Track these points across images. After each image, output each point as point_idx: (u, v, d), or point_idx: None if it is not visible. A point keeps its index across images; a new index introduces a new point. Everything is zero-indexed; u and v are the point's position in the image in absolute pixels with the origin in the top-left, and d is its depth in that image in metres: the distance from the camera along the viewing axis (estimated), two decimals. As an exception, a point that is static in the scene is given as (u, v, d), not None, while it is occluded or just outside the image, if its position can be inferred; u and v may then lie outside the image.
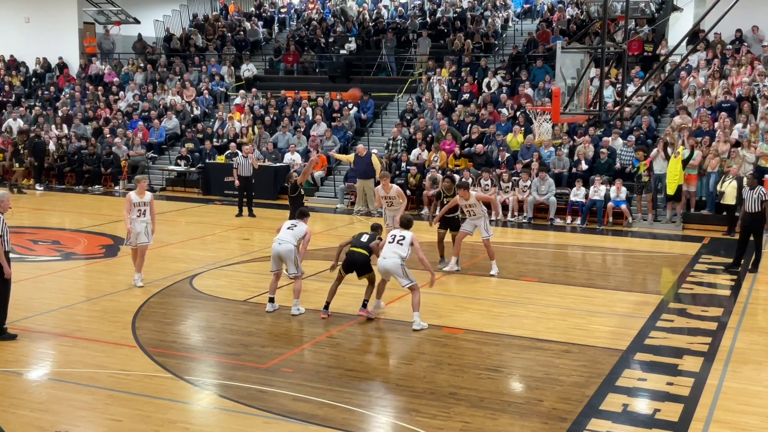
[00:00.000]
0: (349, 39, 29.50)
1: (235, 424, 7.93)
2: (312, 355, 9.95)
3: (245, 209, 19.95)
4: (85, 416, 8.02)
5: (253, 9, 35.30)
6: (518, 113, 22.92)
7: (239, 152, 21.62)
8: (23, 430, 7.61)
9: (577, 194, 19.72)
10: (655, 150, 19.68)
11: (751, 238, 14.71)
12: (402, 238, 11.07)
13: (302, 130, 24.43)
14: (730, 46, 23.93)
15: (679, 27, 26.07)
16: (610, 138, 20.93)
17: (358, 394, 8.60)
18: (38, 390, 8.87)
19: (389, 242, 11.10)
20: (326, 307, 11.39)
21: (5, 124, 27.18)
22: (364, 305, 11.36)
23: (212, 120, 26.60)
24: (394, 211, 14.47)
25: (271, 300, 11.67)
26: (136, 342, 10.22)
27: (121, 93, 28.81)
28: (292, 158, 23.24)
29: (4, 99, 30.09)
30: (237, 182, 19.96)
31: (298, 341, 10.59)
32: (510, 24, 30.55)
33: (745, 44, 23.74)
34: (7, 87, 30.88)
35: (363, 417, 8.08)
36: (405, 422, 7.91)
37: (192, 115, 27.13)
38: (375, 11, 32.64)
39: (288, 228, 11.63)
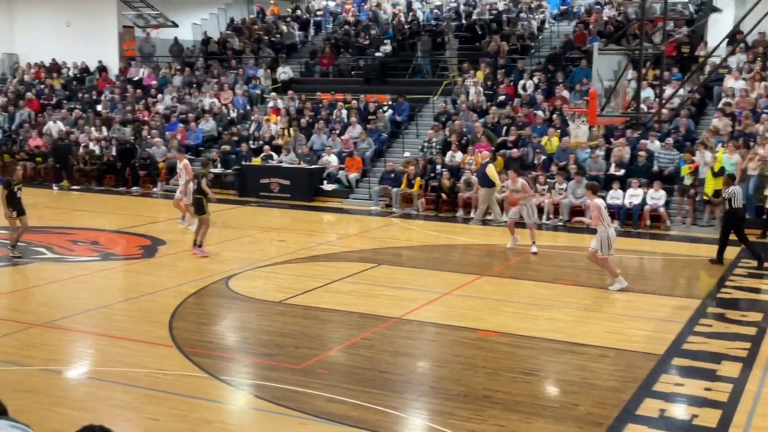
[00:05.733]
0: (384, 41, 29.55)
1: (270, 424, 7.99)
2: (346, 357, 9.97)
3: None
4: (122, 415, 8.12)
5: (289, 11, 35.53)
6: (554, 115, 22.80)
7: None
8: (63, 428, 7.72)
9: (613, 197, 19.54)
10: (699, 153, 19.43)
11: None
12: None
13: (337, 132, 24.53)
14: (771, 48, 23.57)
15: (719, 28, 25.72)
16: (647, 140, 20.72)
17: (392, 396, 8.60)
18: (77, 388, 9.02)
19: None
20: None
21: (45, 126, 27.66)
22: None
23: (248, 122, 26.80)
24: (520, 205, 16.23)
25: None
26: (173, 342, 10.32)
27: (160, 96, 29.17)
28: (328, 160, 23.36)
29: (45, 101, 30.61)
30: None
31: (333, 343, 10.63)
32: (546, 26, 30.38)
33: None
34: (47, 90, 31.42)
35: (397, 419, 8.08)
36: (439, 425, 7.90)
37: (228, 118, 27.36)
38: (410, 14, 32.67)
39: None
